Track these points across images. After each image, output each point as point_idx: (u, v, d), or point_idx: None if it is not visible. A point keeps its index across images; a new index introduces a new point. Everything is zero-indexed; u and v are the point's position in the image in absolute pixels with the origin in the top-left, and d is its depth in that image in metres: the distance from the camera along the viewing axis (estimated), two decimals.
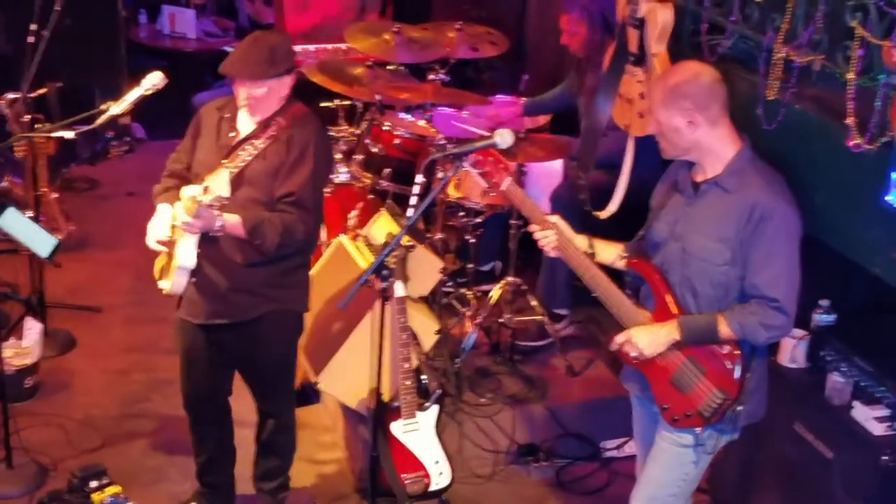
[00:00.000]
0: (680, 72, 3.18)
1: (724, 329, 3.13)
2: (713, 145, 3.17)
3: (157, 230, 3.65)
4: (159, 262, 3.80)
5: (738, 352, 3.17)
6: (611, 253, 3.41)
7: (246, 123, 3.69)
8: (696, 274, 3.21)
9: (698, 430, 3.25)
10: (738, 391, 3.17)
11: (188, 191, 3.45)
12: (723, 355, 3.18)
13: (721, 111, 3.14)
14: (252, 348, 3.83)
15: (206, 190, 3.36)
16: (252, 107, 3.61)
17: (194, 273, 3.62)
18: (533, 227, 3.40)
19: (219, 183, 3.39)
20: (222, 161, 3.61)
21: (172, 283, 3.60)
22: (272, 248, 3.55)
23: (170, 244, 3.63)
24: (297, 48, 6.64)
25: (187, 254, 3.54)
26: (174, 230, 3.62)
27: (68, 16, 5.04)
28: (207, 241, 3.57)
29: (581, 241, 3.38)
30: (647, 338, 3.24)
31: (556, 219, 3.38)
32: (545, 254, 3.42)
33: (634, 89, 3.86)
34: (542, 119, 5.65)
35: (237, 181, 3.57)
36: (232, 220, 3.47)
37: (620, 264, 3.41)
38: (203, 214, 3.39)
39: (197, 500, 4.23)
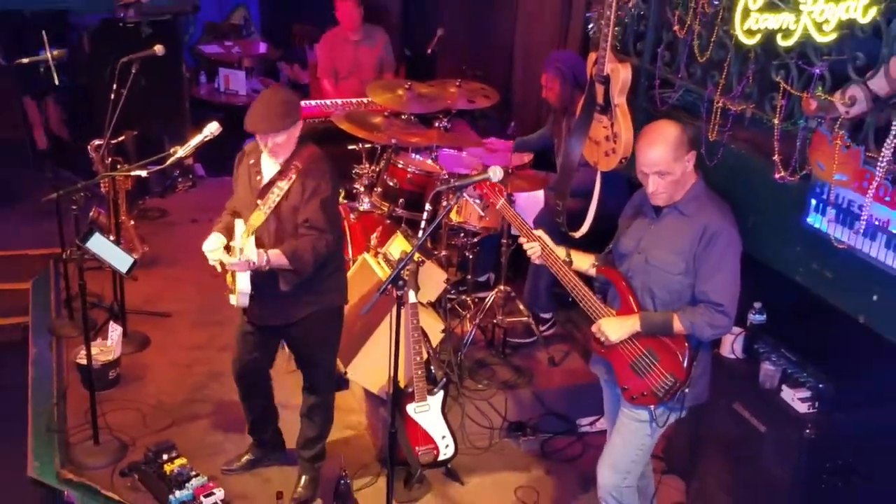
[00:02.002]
0: (668, 129, 3.14)
1: (678, 325, 3.15)
2: (685, 178, 3.19)
3: (208, 249, 3.72)
4: (230, 278, 3.84)
5: (686, 344, 3.18)
6: (584, 262, 3.44)
7: (268, 167, 3.73)
8: (655, 280, 3.23)
9: (652, 407, 3.26)
10: (686, 376, 3.18)
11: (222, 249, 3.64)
12: (674, 346, 3.19)
13: None
14: (299, 337, 3.87)
15: (241, 251, 3.53)
16: (275, 152, 3.64)
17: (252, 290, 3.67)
18: (522, 240, 3.43)
19: (249, 249, 3.54)
20: (257, 202, 3.65)
21: (238, 301, 3.67)
22: (309, 267, 3.59)
23: (229, 272, 3.72)
24: (328, 102, 6.73)
25: (244, 283, 3.61)
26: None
27: (142, 77, 5.07)
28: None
29: (561, 251, 3.40)
30: (614, 326, 3.26)
31: (540, 232, 3.41)
32: (532, 261, 3.44)
33: (601, 133, 3.87)
34: (527, 157, 5.66)
35: (273, 218, 3.63)
36: (274, 255, 3.54)
37: (592, 272, 3.43)
38: (244, 266, 3.53)
39: (251, 452, 4.31)
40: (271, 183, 3.66)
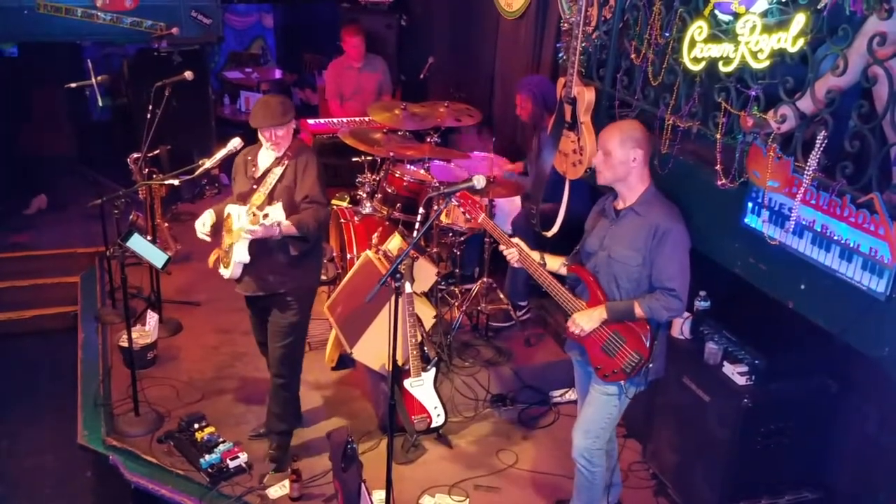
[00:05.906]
0: (634, 125, 3.18)
1: (638, 310, 3.15)
2: (635, 180, 3.18)
3: (200, 225, 3.76)
4: (213, 256, 3.88)
5: (648, 326, 3.18)
6: (556, 263, 3.43)
7: (264, 160, 3.77)
8: (618, 273, 3.22)
9: (621, 382, 3.26)
10: (649, 353, 3.18)
11: (240, 213, 3.59)
12: (637, 329, 3.19)
13: (648, 157, 3.19)
14: (278, 310, 3.84)
15: (265, 216, 3.48)
16: (277, 144, 3.69)
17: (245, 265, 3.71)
18: (501, 247, 3.42)
19: (276, 212, 3.53)
20: (253, 186, 3.69)
21: (231, 271, 3.71)
22: (314, 231, 3.64)
23: (227, 248, 3.73)
24: (335, 120, 6.70)
25: (242, 254, 3.65)
26: (232, 235, 3.68)
27: (174, 99, 5.05)
28: (254, 243, 3.65)
29: (536, 255, 3.38)
30: (585, 318, 3.25)
31: (516, 240, 3.40)
32: (510, 264, 3.43)
33: (569, 146, 3.87)
34: (521, 166, 5.61)
35: (268, 199, 3.67)
36: (286, 224, 3.58)
37: (563, 271, 3.42)
38: (263, 231, 3.52)
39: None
40: (267, 170, 3.71)
